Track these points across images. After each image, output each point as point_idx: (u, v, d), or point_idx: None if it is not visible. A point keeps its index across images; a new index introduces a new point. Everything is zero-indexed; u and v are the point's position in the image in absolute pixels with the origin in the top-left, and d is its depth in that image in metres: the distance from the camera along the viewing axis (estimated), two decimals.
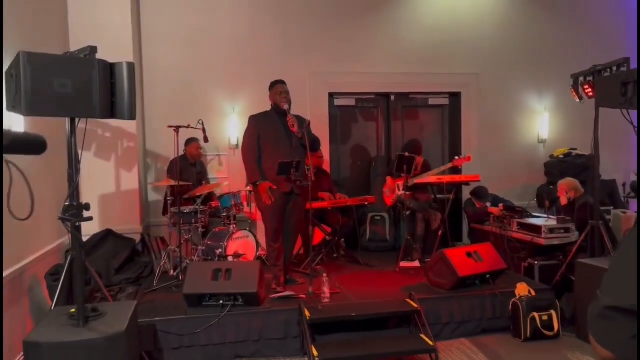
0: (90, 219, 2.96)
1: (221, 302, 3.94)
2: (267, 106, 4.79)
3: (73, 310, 2.98)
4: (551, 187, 6.66)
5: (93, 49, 3.00)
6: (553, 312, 4.22)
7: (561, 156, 6.71)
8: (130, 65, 2.92)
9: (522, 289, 4.31)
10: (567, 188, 5.23)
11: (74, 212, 2.92)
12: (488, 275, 4.46)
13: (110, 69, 2.89)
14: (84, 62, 2.76)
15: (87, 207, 2.96)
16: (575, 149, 6.72)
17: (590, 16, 7.03)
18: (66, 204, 2.90)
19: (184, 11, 6.15)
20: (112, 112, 2.91)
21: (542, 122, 6.95)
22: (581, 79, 4.93)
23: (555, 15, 6.97)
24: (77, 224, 2.95)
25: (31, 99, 2.58)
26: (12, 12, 3.73)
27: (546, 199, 6.53)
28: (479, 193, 5.95)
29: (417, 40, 6.66)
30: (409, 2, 6.63)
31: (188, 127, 5.09)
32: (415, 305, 4.04)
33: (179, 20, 6.14)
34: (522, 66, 6.91)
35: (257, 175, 4.51)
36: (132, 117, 2.94)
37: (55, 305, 3.59)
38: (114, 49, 4.46)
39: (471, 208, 6.04)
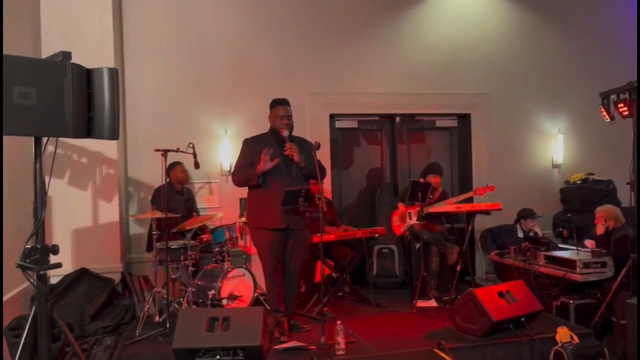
0: (58, 265, 2.34)
1: (218, 357, 3.30)
2: (263, 128, 4.23)
3: None
4: (569, 214, 6.20)
5: (66, 55, 2.41)
6: None
7: (578, 182, 6.26)
8: (113, 72, 2.35)
9: (564, 334, 3.75)
10: (606, 216, 4.76)
11: (38, 257, 2.29)
12: (523, 319, 3.89)
13: (87, 76, 2.32)
14: (52, 66, 2.18)
15: (54, 250, 2.33)
16: (593, 174, 6.28)
17: (604, 33, 6.67)
18: (27, 246, 2.28)
19: (172, 24, 5.61)
20: (88, 130, 2.33)
21: (556, 145, 6.50)
22: (613, 96, 4.49)
23: (568, 32, 6.59)
24: (41, 272, 2.32)
25: None
26: None
27: (564, 229, 6.07)
28: (529, 213, 5.66)
29: (423, 59, 6.20)
30: (414, 19, 6.20)
31: (177, 150, 4.50)
32: (446, 357, 3.46)
33: (166, 33, 5.59)
34: (534, 85, 6.49)
35: (251, 170, 3.92)
36: (113, 136, 2.36)
37: None
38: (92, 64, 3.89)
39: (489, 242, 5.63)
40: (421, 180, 4.94)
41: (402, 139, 6.35)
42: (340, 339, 3.56)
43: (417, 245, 5.09)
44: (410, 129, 6.39)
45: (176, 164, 5.16)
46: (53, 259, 2.37)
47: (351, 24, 6.04)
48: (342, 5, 6.02)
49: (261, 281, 4.51)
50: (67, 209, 4.69)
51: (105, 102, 2.31)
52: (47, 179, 4.32)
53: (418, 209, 4.94)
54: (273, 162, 3.86)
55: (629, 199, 4.34)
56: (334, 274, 5.05)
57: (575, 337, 3.72)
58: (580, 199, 6.09)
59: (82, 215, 4.78)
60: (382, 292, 5.44)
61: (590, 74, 6.44)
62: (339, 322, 3.65)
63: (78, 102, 2.22)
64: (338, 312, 4.60)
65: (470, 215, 4.97)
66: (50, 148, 4.70)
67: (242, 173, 4.02)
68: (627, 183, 4.29)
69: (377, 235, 5.06)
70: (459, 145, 6.51)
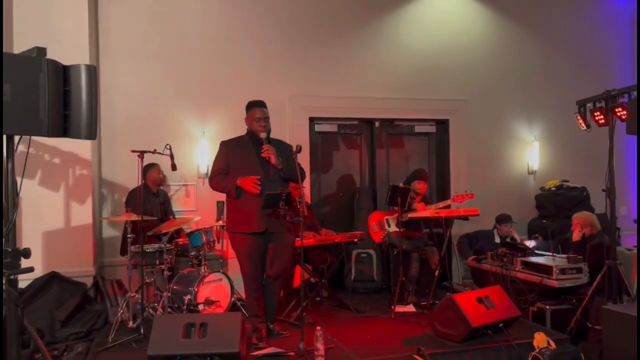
0: (30, 269, 2.23)
1: None
2: (243, 131, 4.17)
3: None
4: (544, 220, 6.28)
5: (41, 51, 2.32)
6: None
7: (553, 188, 6.34)
8: (90, 69, 2.27)
9: (541, 340, 3.78)
10: (582, 223, 4.81)
11: (9, 260, 2.19)
12: (501, 324, 3.91)
13: (64, 72, 2.23)
14: (27, 61, 2.09)
15: (26, 253, 2.23)
16: (567, 181, 6.38)
17: (582, 43, 6.81)
18: None
19: (150, 22, 5.49)
20: (64, 129, 2.24)
21: (532, 152, 6.58)
22: (589, 105, 4.57)
23: (547, 42, 6.69)
24: (12, 276, 2.22)
25: None
26: None
27: (539, 235, 6.16)
28: (506, 218, 5.67)
29: (403, 64, 6.22)
30: (395, 25, 6.21)
31: (154, 152, 4.41)
32: None
33: (144, 32, 5.46)
34: (512, 92, 6.56)
35: (230, 182, 3.85)
36: (90, 136, 2.27)
37: None
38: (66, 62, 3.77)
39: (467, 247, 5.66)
40: (401, 185, 4.93)
41: (381, 144, 6.36)
42: (320, 345, 3.51)
43: (395, 251, 5.08)
44: (389, 134, 6.40)
45: (153, 165, 5.05)
46: (24, 263, 2.27)
47: (332, 28, 6.02)
48: (322, 9, 6.00)
49: (238, 286, 4.45)
50: (38, 210, 4.55)
51: (83, 100, 2.22)
52: (18, 179, 4.18)
53: (395, 215, 4.94)
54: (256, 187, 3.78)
55: (604, 205, 4.40)
56: (312, 279, 5.01)
57: (552, 343, 3.75)
58: (555, 205, 6.16)
59: (54, 217, 4.65)
60: (360, 297, 5.41)
61: (566, 83, 6.55)
62: (318, 327, 3.59)
63: (54, 99, 2.13)
64: (316, 317, 4.56)
65: (449, 220, 4.99)
66: (20, 147, 4.59)
67: (221, 183, 3.94)
68: (603, 190, 4.36)
69: (356, 240, 5.03)
70: (437, 150, 6.54)
